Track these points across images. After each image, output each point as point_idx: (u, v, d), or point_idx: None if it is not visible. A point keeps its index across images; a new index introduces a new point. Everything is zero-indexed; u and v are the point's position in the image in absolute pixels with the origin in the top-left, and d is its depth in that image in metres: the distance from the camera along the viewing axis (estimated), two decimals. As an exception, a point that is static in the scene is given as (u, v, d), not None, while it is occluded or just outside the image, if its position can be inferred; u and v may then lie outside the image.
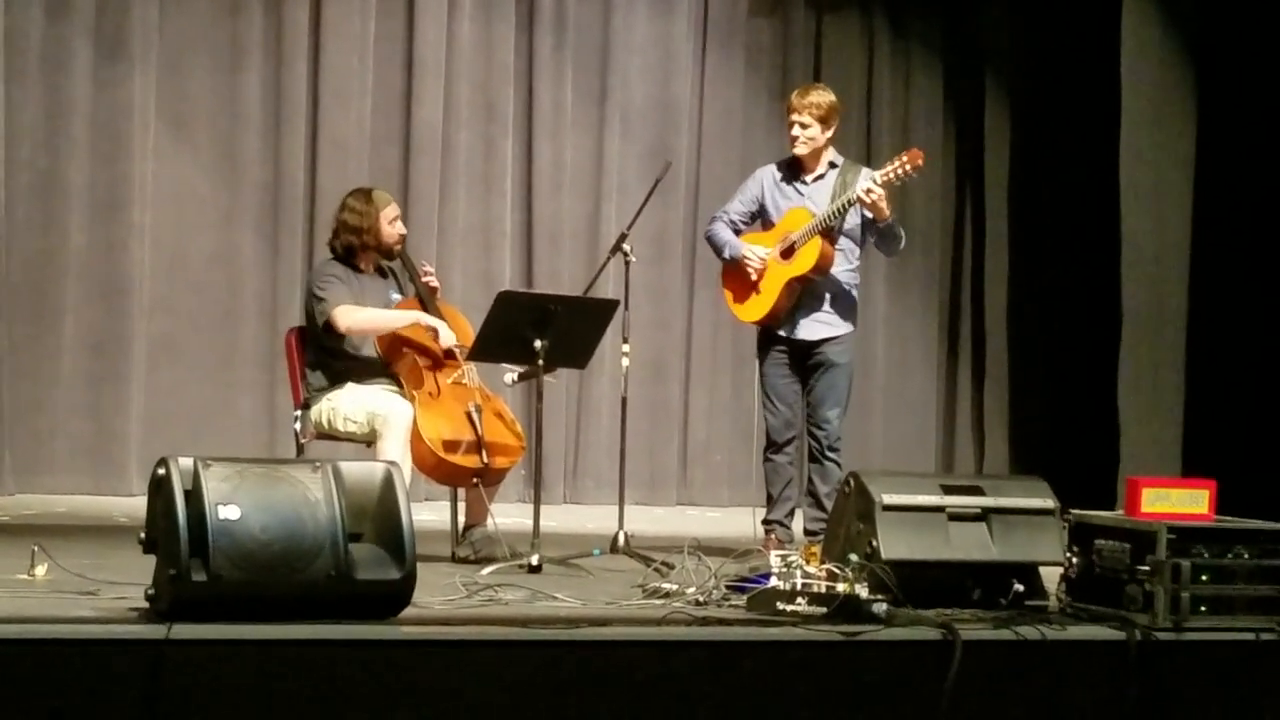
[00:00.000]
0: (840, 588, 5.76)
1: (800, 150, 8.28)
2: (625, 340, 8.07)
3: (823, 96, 8.29)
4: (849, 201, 8.09)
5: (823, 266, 8.15)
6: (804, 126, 8.25)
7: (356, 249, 8.06)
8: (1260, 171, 10.71)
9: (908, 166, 8.06)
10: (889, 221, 8.18)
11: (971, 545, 6.19)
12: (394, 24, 11.28)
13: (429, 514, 8.33)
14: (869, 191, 8.00)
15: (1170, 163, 10.73)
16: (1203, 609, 5.92)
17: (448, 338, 7.88)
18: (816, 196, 8.27)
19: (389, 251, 8.09)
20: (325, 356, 7.94)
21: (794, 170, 8.36)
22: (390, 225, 8.05)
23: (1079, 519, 6.27)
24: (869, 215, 8.16)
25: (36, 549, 6.14)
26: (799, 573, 5.84)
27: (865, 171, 8.36)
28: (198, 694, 4.95)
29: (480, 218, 11.48)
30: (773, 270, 8.18)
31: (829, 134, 8.29)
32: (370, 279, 8.08)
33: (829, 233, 8.16)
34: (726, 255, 8.33)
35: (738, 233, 8.37)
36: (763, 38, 12.24)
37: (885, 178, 8.06)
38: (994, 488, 6.39)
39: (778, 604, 5.79)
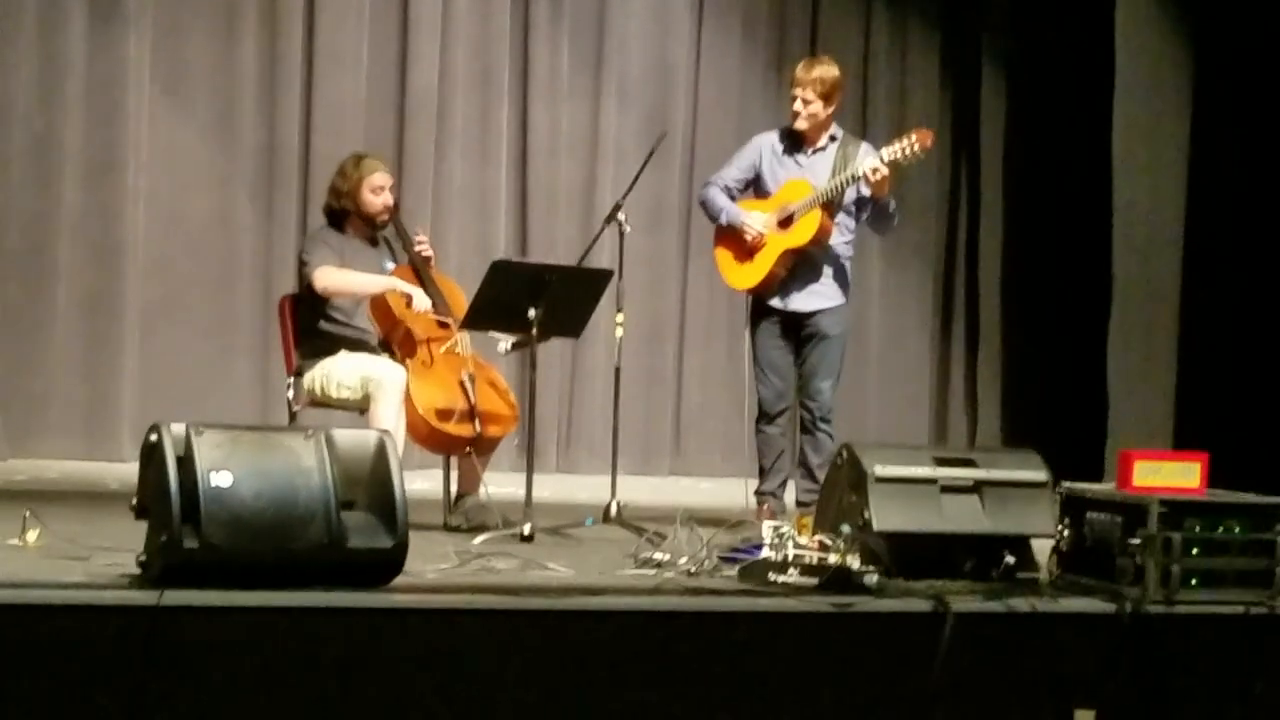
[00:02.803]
0: (832, 559, 5.76)
1: (801, 125, 8.25)
2: (619, 310, 8.07)
3: (827, 71, 8.25)
4: (853, 177, 8.06)
5: (821, 239, 8.15)
6: (806, 102, 8.21)
7: (338, 213, 8.04)
8: (1255, 143, 10.70)
9: (915, 147, 8.00)
10: (886, 199, 8.16)
11: (963, 517, 6.19)
12: (389, -12, 11.27)
13: (422, 482, 8.34)
14: (876, 170, 7.97)
15: (1165, 135, 10.72)
16: (1194, 582, 5.92)
17: (422, 303, 7.85)
18: (816, 168, 8.25)
19: (371, 221, 8.06)
20: (318, 323, 7.93)
21: (794, 141, 8.33)
22: (372, 194, 7.99)
23: (1071, 492, 6.27)
24: (867, 192, 8.15)
25: (28, 514, 6.14)
26: (791, 544, 5.84)
27: (865, 146, 8.34)
28: (189, 660, 4.95)
29: (475, 184, 11.47)
30: (770, 240, 8.17)
31: (831, 109, 8.26)
32: (361, 246, 8.05)
33: (829, 206, 8.15)
34: (723, 221, 8.31)
35: (732, 199, 8.35)
36: (760, 6, 12.22)
37: (893, 157, 8.01)
38: (986, 460, 6.39)
39: (769, 575, 5.79)
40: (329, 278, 7.84)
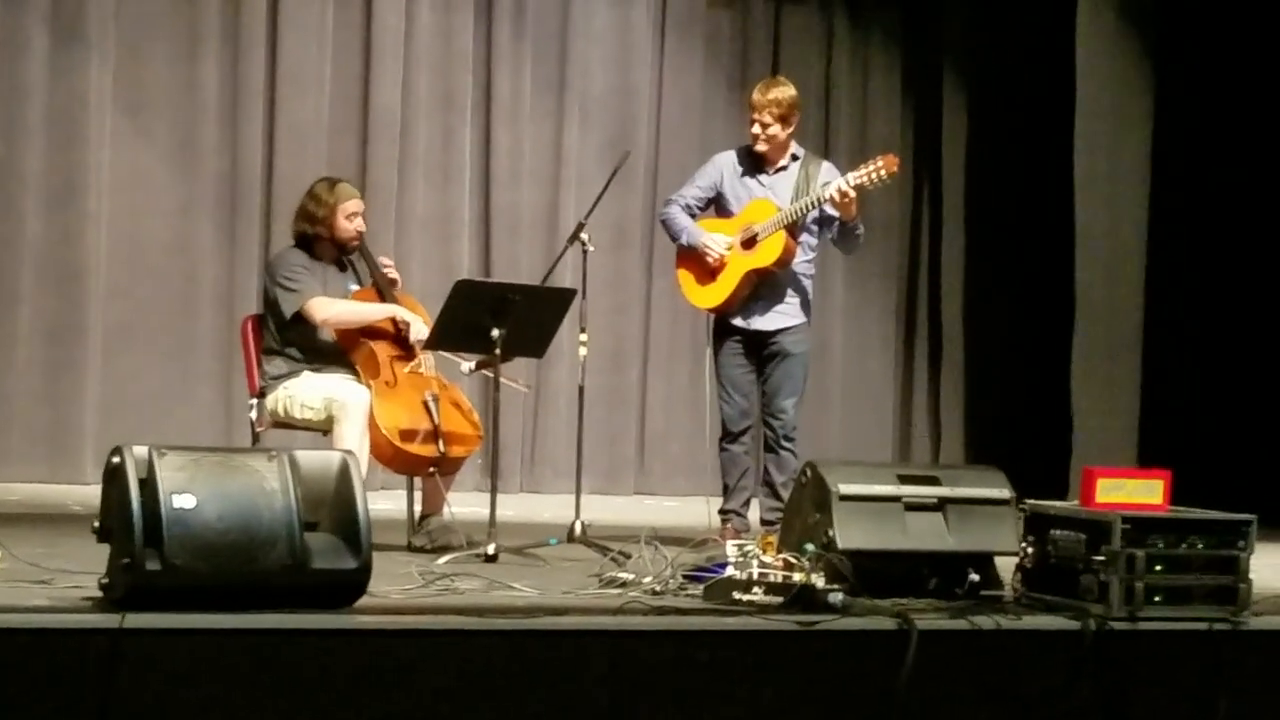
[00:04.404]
0: (796, 577, 5.77)
1: (761, 148, 8.26)
2: (583, 329, 8.06)
3: (783, 93, 8.24)
4: (819, 199, 8.07)
5: (785, 260, 8.15)
6: (764, 125, 8.21)
7: (311, 238, 8.04)
8: (1215, 161, 10.75)
9: (882, 172, 7.99)
10: (854, 221, 8.18)
11: (928, 535, 6.20)
12: (352, 11, 11.26)
13: (385, 503, 8.31)
14: (844, 194, 7.98)
15: (1125, 153, 10.77)
16: (1157, 599, 5.94)
17: (419, 331, 7.87)
18: (778, 188, 8.26)
19: (343, 246, 8.07)
20: (282, 344, 7.92)
21: (755, 160, 8.33)
22: (347, 221, 8.01)
23: (1034, 509, 6.28)
24: (833, 213, 8.15)
25: (-10, 538, 6.12)
26: (755, 562, 5.85)
27: (827, 165, 8.36)
28: (152, 683, 4.93)
29: (439, 206, 11.47)
30: (733, 260, 8.18)
31: (790, 130, 8.27)
32: (330, 270, 8.06)
33: (792, 227, 8.16)
34: (685, 241, 8.31)
35: (693, 217, 8.36)
36: (722, 27, 12.25)
37: (859, 181, 8.01)
38: (950, 478, 6.41)
39: (734, 593, 5.79)
40: (329, 309, 7.84)
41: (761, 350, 8.26)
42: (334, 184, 8.15)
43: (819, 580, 5.76)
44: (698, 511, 8.48)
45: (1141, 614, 5.90)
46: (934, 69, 12.49)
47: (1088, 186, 10.76)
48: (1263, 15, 10.81)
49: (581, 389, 8.16)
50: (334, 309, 7.85)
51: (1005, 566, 6.32)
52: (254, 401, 7.98)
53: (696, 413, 10.99)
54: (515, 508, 9.46)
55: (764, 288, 8.20)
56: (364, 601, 5.42)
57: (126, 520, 5.10)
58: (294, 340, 7.91)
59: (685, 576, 6.21)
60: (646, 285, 11.96)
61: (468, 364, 7.93)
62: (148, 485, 5.13)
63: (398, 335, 7.94)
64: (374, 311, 7.93)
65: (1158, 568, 5.95)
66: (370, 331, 7.88)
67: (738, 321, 8.25)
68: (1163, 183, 10.76)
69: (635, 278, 11.90)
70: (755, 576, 5.79)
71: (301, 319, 7.84)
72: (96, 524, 5.28)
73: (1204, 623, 5.97)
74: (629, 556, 6.72)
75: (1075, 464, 10.32)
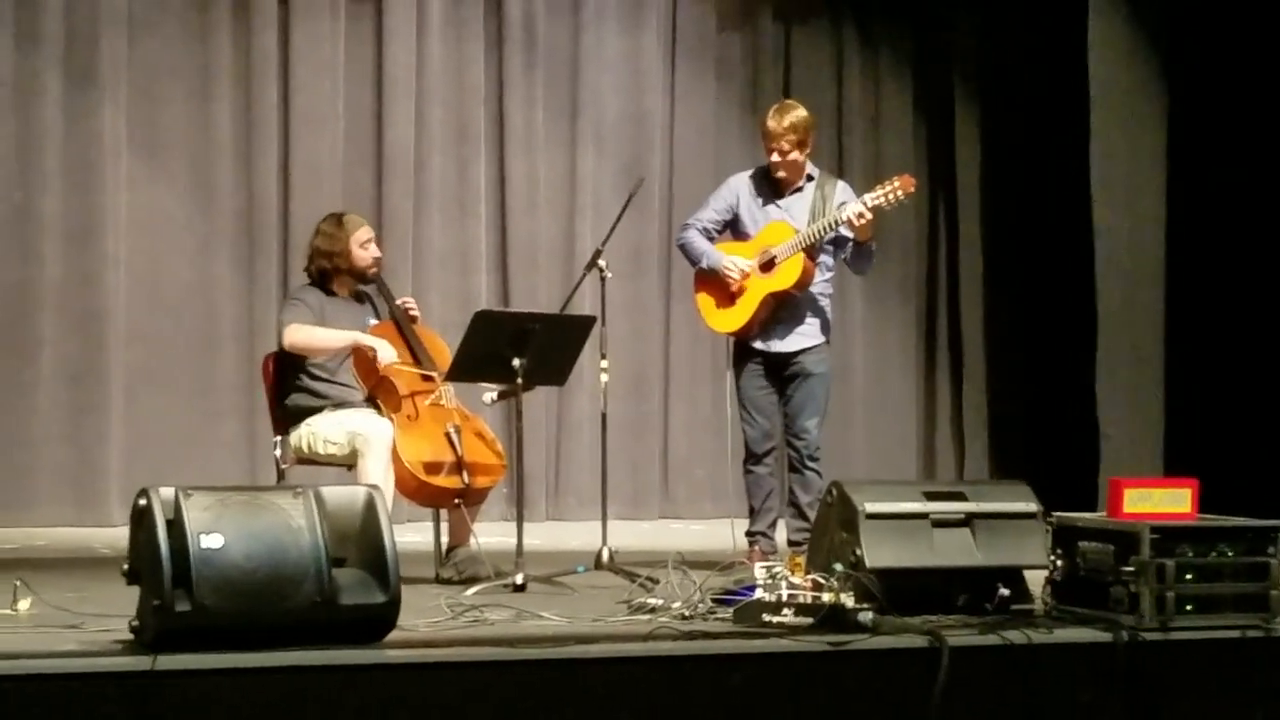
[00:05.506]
0: (826, 597, 5.76)
1: (781, 174, 8.24)
2: (604, 356, 8.06)
3: (798, 116, 8.21)
4: (836, 221, 8.05)
5: (804, 282, 8.14)
6: (783, 153, 8.17)
7: (330, 273, 8.07)
8: (1233, 166, 10.71)
9: (899, 192, 7.99)
10: (869, 243, 8.17)
11: (956, 551, 6.19)
12: (363, 47, 11.29)
13: (412, 535, 8.32)
14: (860, 215, 7.97)
15: (1142, 161, 10.74)
16: (1188, 608, 5.92)
17: (386, 356, 7.86)
18: (794, 209, 8.25)
19: (363, 275, 8.10)
20: (303, 381, 7.94)
21: (771, 182, 8.32)
22: (362, 249, 8.07)
23: (1062, 521, 6.27)
24: (848, 235, 8.14)
25: (19, 583, 6.12)
26: (784, 584, 5.84)
27: (842, 185, 8.35)
28: (185, 724, 4.94)
29: (455, 238, 11.48)
30: (752, 283, 8.17)
31: (807, 152, 8.27)
32: (345, 303, 8.08)
33: (810, 249, 8.15)
34: (705, 264, 8.30)
35: (711, 241, 8.35)
36: (732, 51, 12.26)
37: (876, 202, 8.00)
38: (976, 493, 6.39)
39: (764, 615, 5.78)
40: (295, 335, 7.88)
41: (782, 371, 8.25)
42: (340, 217, 8.21)
43: (848, 600, 5.75)
44: (724, 535, 8.48)
45: (1173, 624, 5.89)
46: (945, 85, 12.49)
47: (1104, 194, 10.73)
48: (1274, 14, 10.78)
49: (604, 415, 8.15)
50: (299, 335, 7.89)
51: (1035, 580, 6.31)
52: (278, 439, 8.00)
53: (719, 436, 10.95)
54: (541, 536, 9.45)
55: (783, 310, 8.19)
56: (394, 635, 5.42)
57: (155, 562, 5.11)
58: (315, 377, 7.93)
59: (714, 600, 6.20)
60: (665, 310, 11.96)
61: (490, 394, 7.93)
62: (175, 526, 5.14)
63: (418, 368, 7.94)
64: (337, 338, 7.92)
65: (1188, 577, 5.94)
66: (389, 366, 7.88)
67: (758, 344, 8.24)
68: (1180, 188, 10.73)
69: (654, 303, 11.90)
70: (784, 598, 5.78)
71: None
72: (125, 566, 5.29)
73: (1236, 630, 5.95)
74: (657, 582, 6.71)
75: (1102, 475, 10.28)
